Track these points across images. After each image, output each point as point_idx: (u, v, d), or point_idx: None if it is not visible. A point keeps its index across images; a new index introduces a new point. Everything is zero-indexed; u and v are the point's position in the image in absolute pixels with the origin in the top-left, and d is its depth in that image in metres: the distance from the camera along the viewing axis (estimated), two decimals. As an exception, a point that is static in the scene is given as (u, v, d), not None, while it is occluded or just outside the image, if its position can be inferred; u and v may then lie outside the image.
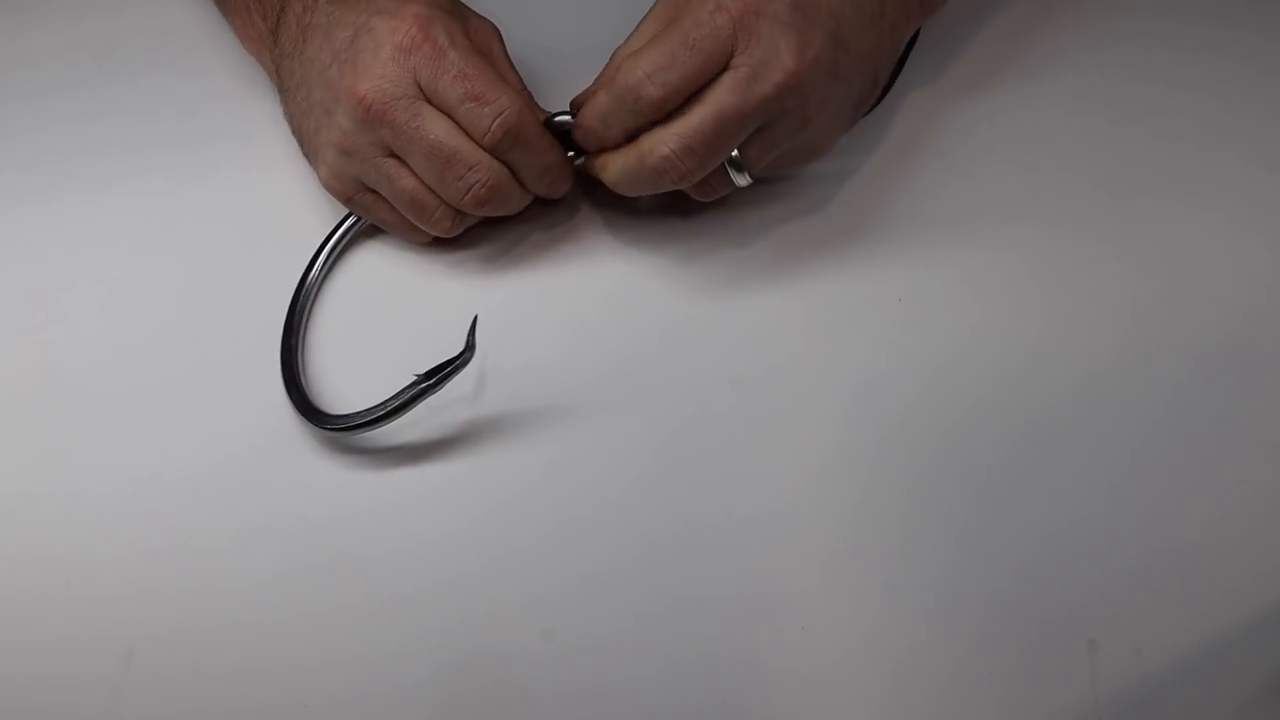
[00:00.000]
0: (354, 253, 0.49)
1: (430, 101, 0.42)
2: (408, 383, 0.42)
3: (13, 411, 0.45)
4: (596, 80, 0.44)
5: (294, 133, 0.47)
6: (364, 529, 0.42)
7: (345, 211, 0.48)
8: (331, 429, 0.43)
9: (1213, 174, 0.51)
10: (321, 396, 0.45)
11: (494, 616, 0.41)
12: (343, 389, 0.45)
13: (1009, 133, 0.52)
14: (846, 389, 0.46)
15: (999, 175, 0.51)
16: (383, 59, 0.41)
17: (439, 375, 0.42)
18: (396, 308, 0.48)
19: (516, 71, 0.45)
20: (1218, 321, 0.47)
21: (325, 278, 0.48)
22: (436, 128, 0.42)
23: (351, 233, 0.48)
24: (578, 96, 0.44)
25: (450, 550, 0.42)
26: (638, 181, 0.43)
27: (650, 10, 0.44)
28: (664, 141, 0.41)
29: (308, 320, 0.47)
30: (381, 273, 0.48)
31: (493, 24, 0.46)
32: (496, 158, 0.43)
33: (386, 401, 0.42)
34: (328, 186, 0.45)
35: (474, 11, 0.46)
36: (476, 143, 0.42)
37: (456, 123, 0.42)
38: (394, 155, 0.43)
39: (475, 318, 0.42)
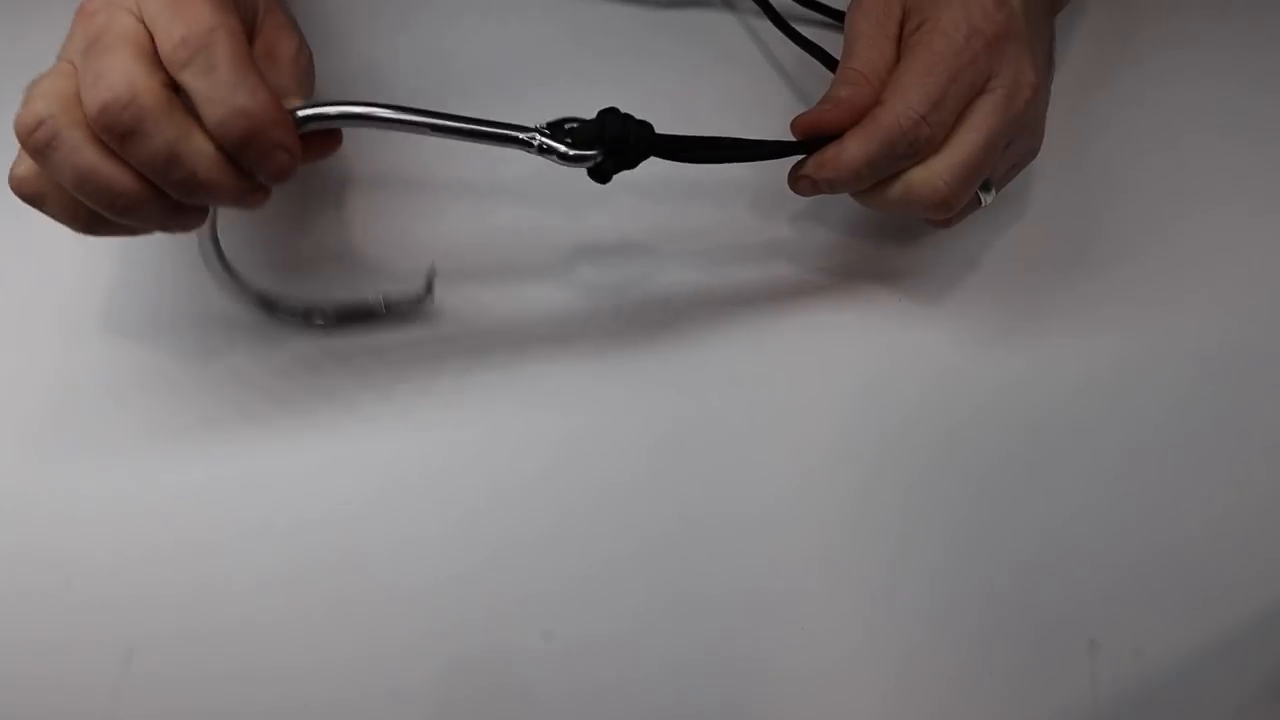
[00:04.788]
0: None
1: (141, 17, 0.34)
2: (369, 297, 0.44)
3: (13, 411, 0.45)
4: (821, 112, 0.40)
5: None
6: (363, 529, 0.42)
7: None
8: (281, 316, 0.42)
9: (1213, 173, 0.51)
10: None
11: (493, 616, 0.41)
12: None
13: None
14: (846, 388, 0.46)
15: (999, 175, 0.51)
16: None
17: (393, 308, 0.44)
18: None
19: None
20: (1217, 320, 0.47)
21: None
22: (116, 28, 0.34)
23: None
24: (803, 121, 0.41)
25: (449, 549, 0.42)
26: (894, 212, 0.43)
27: (856, 28, 0.42)
28: (938, 175, 0.40)
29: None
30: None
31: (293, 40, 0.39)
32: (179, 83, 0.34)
33: (342, 305, 0.44)
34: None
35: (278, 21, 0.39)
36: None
37: (155, 36, 0.34)
38: None
39: (432, 265, 0.44)
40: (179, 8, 0.33)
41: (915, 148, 0.39)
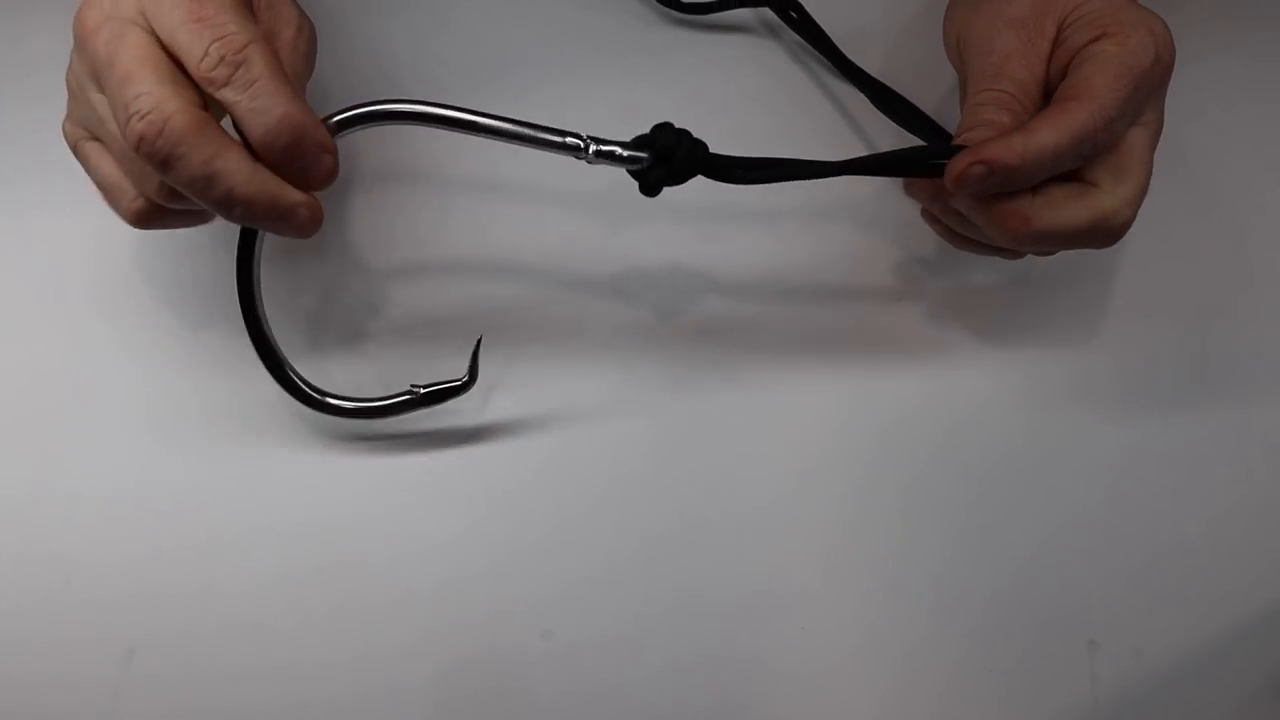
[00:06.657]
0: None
1: (153, 30, 0.35)
2: (404, 390, 0.42)
3: (13, 412, 0.45)
4: (971, 111, 0.39)
5: None
6: (364, 531, 0.43)
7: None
8: (323, 410, 0.42)
9: (1212, 172, 0.51)
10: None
11: (494, 617, 0.41)
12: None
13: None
14: (845, 388, 0.46)
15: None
16: None
17: (435, 397, 0.42)
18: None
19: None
20: (1217, 321, 0.47)
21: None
22: (129, 50, 0.34)
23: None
24: (963, 129, 0.39)
25: (450, 551, 0.42)
26: (1071, 244, 0.39)
27: (1001, 43, 0.40)
28: (1128, 206, 0.38)
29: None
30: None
31: (300, 27, 0.40)
32: (214, 99, 0.35)
33: (378, 400, 0.42)
34: (65, 135, 0.39)
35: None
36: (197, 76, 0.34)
37: (177, 52, 0.35)
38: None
39: (479, 341, 0.42)
40: (201, 22, 0.34)
41: (1095, 151, 0.37)
